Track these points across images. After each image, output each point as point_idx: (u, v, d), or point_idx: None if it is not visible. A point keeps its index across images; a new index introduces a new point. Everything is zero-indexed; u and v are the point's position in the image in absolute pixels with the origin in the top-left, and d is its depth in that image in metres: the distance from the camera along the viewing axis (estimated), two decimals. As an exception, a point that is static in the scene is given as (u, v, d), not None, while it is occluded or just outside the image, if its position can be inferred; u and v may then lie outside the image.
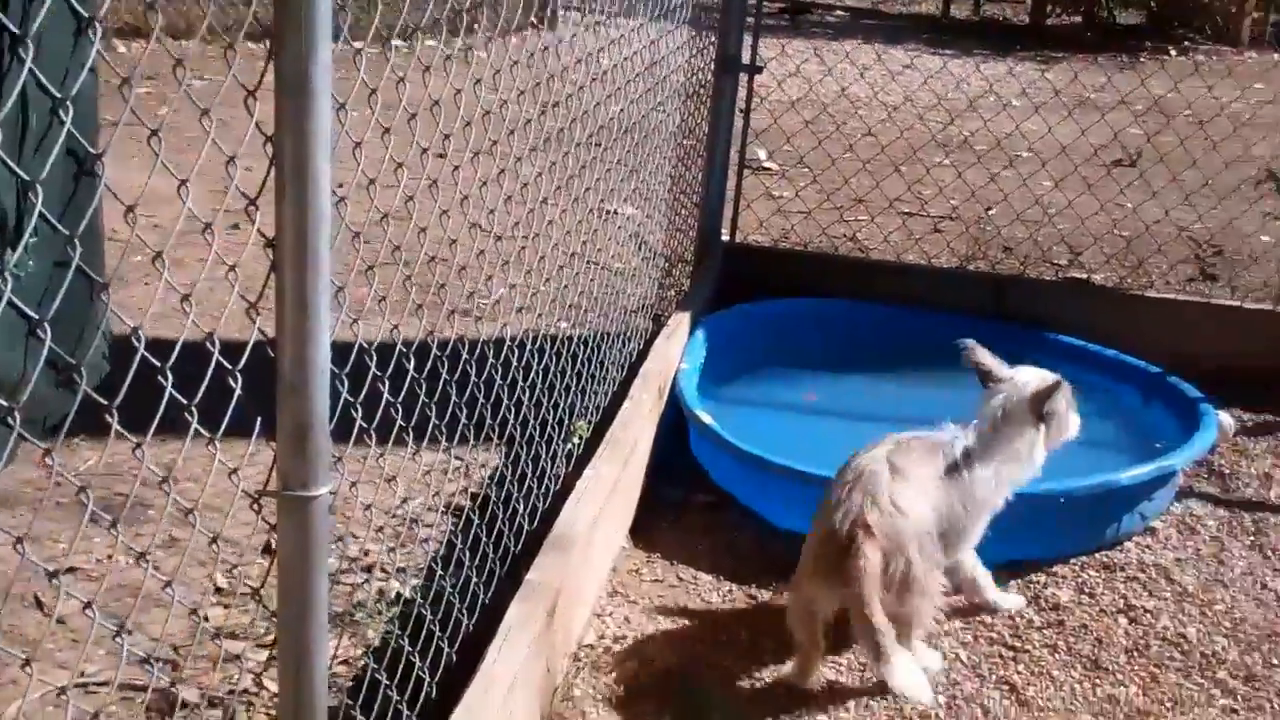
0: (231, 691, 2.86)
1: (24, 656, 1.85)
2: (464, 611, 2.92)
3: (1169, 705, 3.20)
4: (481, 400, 3.04)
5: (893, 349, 5.00)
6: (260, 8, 1.76)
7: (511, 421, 3.28)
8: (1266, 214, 6.23)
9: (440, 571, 3.07)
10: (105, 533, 3.29)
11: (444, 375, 2.78)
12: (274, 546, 1.93)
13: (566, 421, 3.71)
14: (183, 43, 7.87)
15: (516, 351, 3.24)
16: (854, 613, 3.06)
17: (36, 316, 1.51)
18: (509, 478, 3.34)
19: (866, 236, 6.19)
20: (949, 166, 6.80)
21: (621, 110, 4.07)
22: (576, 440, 3.80)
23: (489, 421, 3.16)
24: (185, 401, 1.82)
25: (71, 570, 3.24)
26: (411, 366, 2.58)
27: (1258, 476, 4.38)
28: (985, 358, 3.45)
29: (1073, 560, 3.78)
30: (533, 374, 3.38)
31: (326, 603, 1.98)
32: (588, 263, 3.99)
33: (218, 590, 3.27)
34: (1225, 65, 11.05)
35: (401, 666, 2.61)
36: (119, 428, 1.68)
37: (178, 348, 1.77)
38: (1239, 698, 3.24)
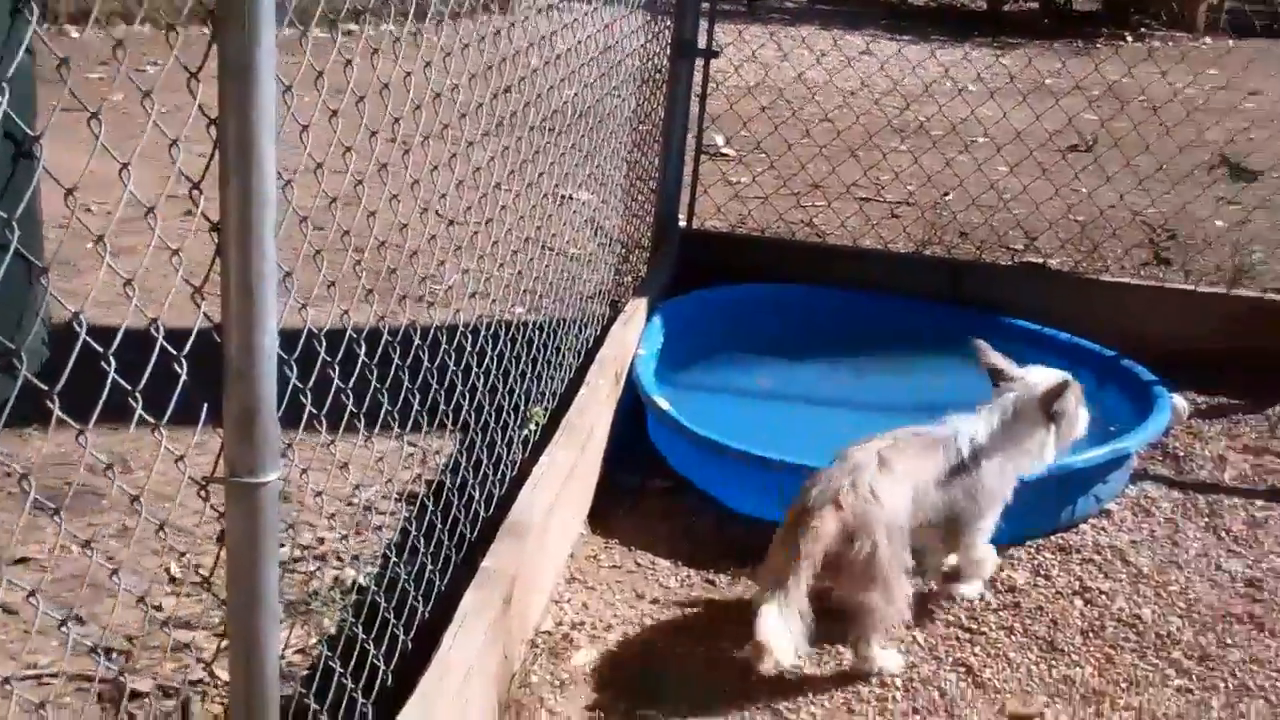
0: (185, 681, 2.83)
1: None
2: (419, 599, 2.90)
3: (1124, 685, 3.22)
4: (435, 386, 3.01)
5: (850, 334, 5.02)
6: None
7: (466, 408, 3.27)
8: (1219, 199, 6.28)
9: (395, 559, 3.05)
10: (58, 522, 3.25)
11: (396, 361, 2.76)
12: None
13: (522, 408, 3.69)
14: (131, 27, 7.80)
15: (471, 337, 3.22)
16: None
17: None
18: (464, 464, 3.32)
19: (823, 222, 6.20)
20: (905, 152, 6.83)
21: (576, 94, 4.05)
22: (533, 426, 3.78)
23: (443, 408, 3.14)
24: (129, 388, 1.80)
25: (24, 560, 3.20)
26: (363, 352, 2.55)
27: (1211, 459, 4.42)
28: (995, 358, 3.50)
29: (1029, 543, 3.81)
30: (488, 360, 3.36)
31: (277, 591, 1.96)
32: (543, 248, 3.97)
33: (171, 579, 3.25)
34: (1180, 51, 11.12)
35: (356, 655, 2.59)
36: (61, 414, 1.66)
37: (120, 334, 1.75)
38: (1193, 678, 3.26)
